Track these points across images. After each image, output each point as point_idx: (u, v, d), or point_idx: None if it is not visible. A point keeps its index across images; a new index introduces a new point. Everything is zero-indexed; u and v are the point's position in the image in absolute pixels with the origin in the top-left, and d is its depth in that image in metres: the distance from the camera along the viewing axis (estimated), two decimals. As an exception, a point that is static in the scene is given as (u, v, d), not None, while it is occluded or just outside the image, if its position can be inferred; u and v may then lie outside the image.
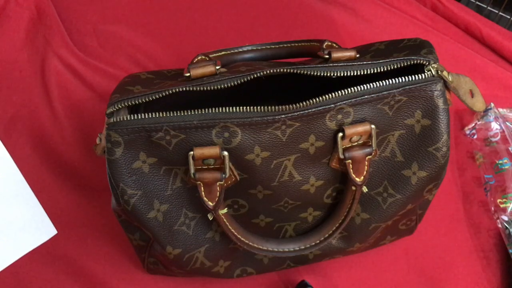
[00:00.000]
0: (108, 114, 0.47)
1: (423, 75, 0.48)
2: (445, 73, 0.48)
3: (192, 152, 0.46)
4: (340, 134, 0.47)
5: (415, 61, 0.48)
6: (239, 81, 0.47)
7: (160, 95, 0.46)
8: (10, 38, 0.72)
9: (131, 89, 0.49)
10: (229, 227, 0.51)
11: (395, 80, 0.47)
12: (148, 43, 0.76)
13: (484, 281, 0.63)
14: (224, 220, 0.50)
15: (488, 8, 0.83)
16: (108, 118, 0.47)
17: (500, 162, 0.66)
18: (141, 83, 0.51)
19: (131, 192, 0.48)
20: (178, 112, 0.46)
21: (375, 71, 0.48)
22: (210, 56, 0.56)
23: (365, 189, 0.50)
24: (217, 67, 0.48)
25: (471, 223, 0.66)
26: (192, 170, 0.47)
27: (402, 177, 0.51)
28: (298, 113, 0.45)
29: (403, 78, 0.47)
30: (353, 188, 0.50)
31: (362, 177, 0.49)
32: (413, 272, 0.63)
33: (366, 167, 0.49)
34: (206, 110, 0.46)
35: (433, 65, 0.48)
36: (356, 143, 0.48)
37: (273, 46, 0.57)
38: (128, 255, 0.63)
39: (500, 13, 0.83)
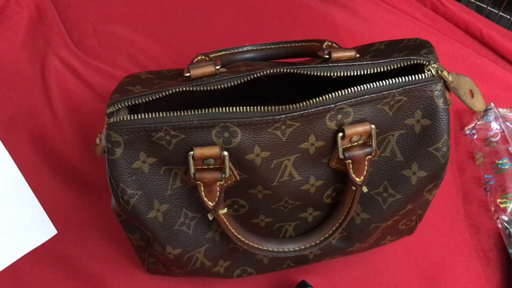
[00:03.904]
0: (108, 114, 0.47)
1: (423, 75, 0.48)
2: (445, 73, 0.48)
3: (192, 152, 0.46)
4: (340, 134, 0.47)
5: (415, 61, 0.48)
6: (239, 81, 0.47)
7: (160, 95, 0.46)
8: (10, 38, 0.72)
9: (131, 89, 0.49)
10: (229, 227, 0.51)
11: (395, 80, 0.47)
12: (148, 43, 0.76)
13: (484, 281, 0.63)
14: (224, 220, 0.50)
15: (488, 8, 0.83)
16: (108, 118, 0.47)
17: (500, 162, 0.66)
18: (141, 83, 0.51)
19: (131, 192, 0.48)
20: (178, 112, 0.46)
21: (375, 71, 0.48)
22: (210, 56, 0.56)
23: (365, 189, 0.50)
24: (217, 67, 0.48)
25: (471, 223, 0.66)
26: (192, 170, 0.47)
27: (402, 177, 0.51)
28: (298, 113, 0.45)
29: (403, 78, 0.47)
30: (353, 188, 0.50)
31: (362, 177, 0.49)
32: (413, 272, 0.63)
33: (366, 167, 0.49)
34: (206, 110, 0.46)
35: (433, 65, 0.48)
36: (356, 143, 0.48)
37: (273, 46, 0.57)
38: (128, 255, 0.63)
39: (500, 13, 0.83)
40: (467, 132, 0.70)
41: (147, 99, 0.47)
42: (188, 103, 0.58)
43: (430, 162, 0.50)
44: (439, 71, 0.48)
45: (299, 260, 0.58)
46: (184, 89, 0.47)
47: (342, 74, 0.47)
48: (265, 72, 0.47)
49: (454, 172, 0.69)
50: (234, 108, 0.46)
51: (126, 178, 0.48)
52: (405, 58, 0.48)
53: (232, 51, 0.57)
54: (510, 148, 0.66)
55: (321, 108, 0.46)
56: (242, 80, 0.47)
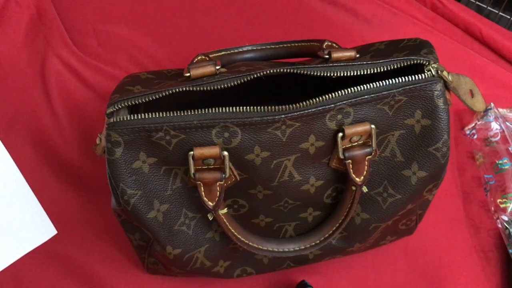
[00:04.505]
0: (108, 114, 0.47)
1: (423, 75, 0.48)
2: (445, 73, 0.48)
3: (192, 152, 0.46)
4: (340, 134, 0.47)
5: (415, 61, 0.48)
6: (239, 81, 0.47)
7: (160, 95, 0.46)
8: (10, 38, 0.72)
9: (131, 89, 0.49)
10: (229, 227, 0.51)
11: (395, 80, 0.47)
12: (148, 43, 0.76)
13: (484, 281, 0.63)
14: (224, 220, 0.50)
15: (488, 8, 0.83)
16: (108, 118, 0.47)
17: (500, 162, 0.66)
18: (141, 83, 0.51)
19: (131, 192, 0.48)
20: (178, 112, 0.46)
21: (375, 71, 0.48)
22: (210, 56, 0.56)
23: (365, 189, 0.50)
24: (217, 67, 0.48)
25: (471, 223, 0.66)
26: (192, 170, 0.47)
27: (402, 177, 0.51)
28: (298, 113, 0.45)
29: (403, 78, 0.47)
30: (353, 188, 0.50)
31: (362, 177, 0.49)
32: (413, 272, 0.63)
33: (366, 167, 0.49)
34: (206, 110, 0.46)
35: (433, 65, 0.48)
36: (356, 143, 0.48)
37: (273, 46, 0.57)
38: (128, 255, 0.63)
39: (500, 13, 0.83)
40: (467, 132, 0.70)
41: (147, 99, 0.47)
42: (188, 103, 0.58)
43: (430, 162, 0.50)
44: (439, 71, 0.48)
45: (299, 260, 0.58)
46: (184, 89, 0.47)
47: (342, 74, 0.47)
48: (265, 72, 0.47)
49: (454, 172, 0.69)
50: (234, 108, 0.46)
51: (126, 178, 0.48)
52: (405, 58, 0.48)
53: (232, 51, 0.57)
54: (510, 148, 0.66)
55: (321, 108, 0.46)
56: (242, 80, 0.47)
